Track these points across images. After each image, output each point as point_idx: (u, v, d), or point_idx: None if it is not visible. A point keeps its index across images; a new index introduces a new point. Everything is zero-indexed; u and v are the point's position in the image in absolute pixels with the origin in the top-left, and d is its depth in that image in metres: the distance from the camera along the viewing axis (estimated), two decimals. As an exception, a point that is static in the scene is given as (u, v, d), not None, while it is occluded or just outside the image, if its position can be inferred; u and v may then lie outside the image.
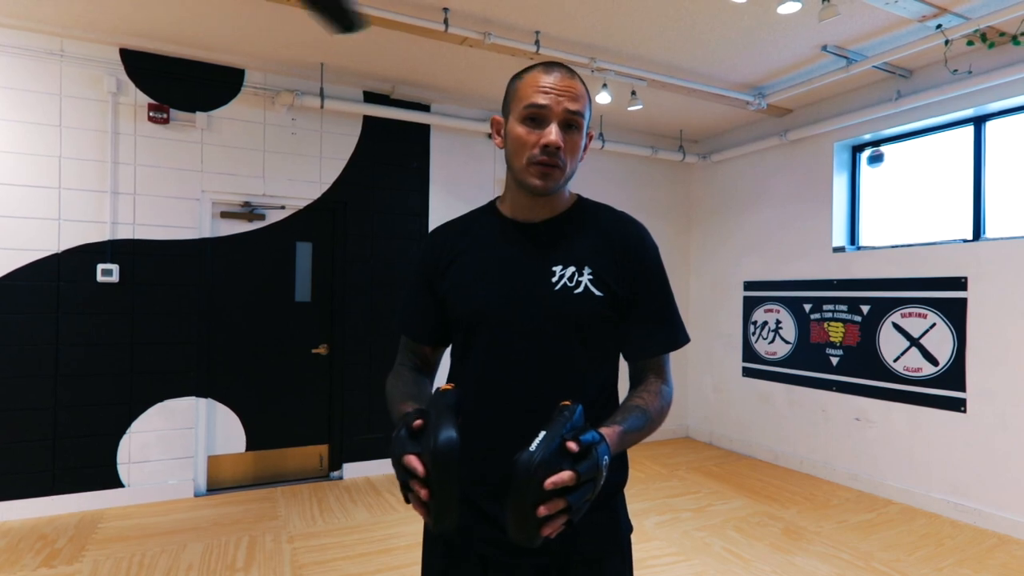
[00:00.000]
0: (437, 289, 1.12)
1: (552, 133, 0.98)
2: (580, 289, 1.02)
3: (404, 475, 0.82)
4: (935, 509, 3.68)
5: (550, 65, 1.02)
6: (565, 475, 0.76)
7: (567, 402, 0.86)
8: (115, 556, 2.91)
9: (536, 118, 0.99)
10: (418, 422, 0.85)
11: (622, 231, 1.09)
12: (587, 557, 1.03)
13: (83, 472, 3.52)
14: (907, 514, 3.65)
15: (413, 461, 0.80)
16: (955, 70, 3.56)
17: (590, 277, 1.03)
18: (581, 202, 1.13)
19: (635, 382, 1.08)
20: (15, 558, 2.86)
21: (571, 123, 1.00)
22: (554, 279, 1.03)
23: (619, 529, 1.08)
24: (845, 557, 3.02)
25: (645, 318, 1.06)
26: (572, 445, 0.77)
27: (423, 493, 0.80)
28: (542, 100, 0.98)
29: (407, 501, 0.83)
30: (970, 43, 3.34)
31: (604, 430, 0.88)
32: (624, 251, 1.06)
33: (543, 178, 1.00)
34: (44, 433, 3.43)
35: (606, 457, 0.81)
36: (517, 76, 1.05)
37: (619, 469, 1.08)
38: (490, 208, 1.16)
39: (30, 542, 3.05)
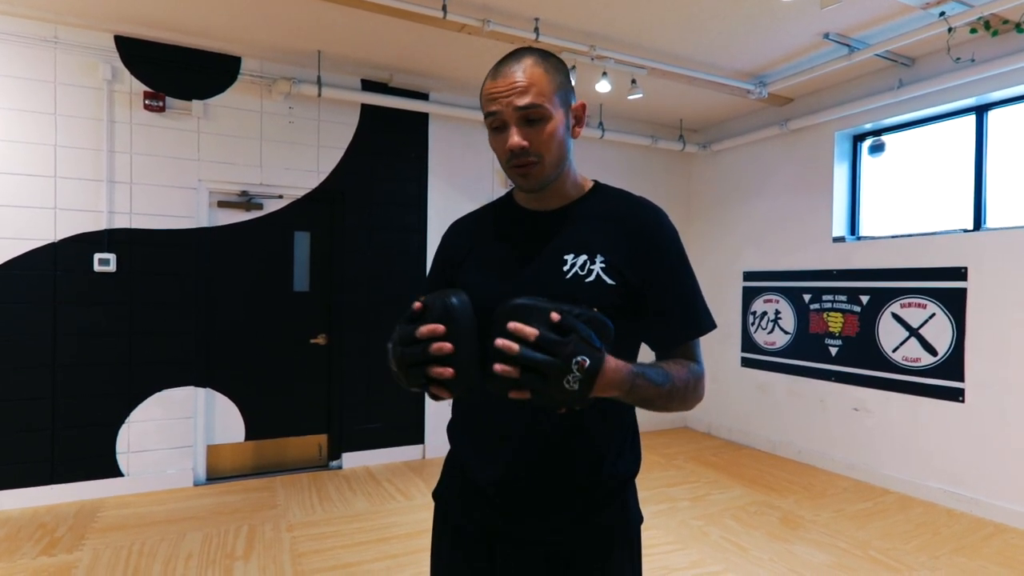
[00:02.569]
0: (456, 281, 1.11)
1: (513, 136, 0.96)
2: (591, 278, 0.99)
3: (415, 353, 0.85)
4: (932, 498, 3.69)
5: (499, 64, 1.00)
6: (527, 328, 0.79)
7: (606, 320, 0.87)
8: (115, 545, 2.92)
9: (497, 126, 0.99)
10: (418, 304, 0.88)
11: (638, 216, 1.05)
12: (594, 547, 1.02)
13: (82, 461, 3.52)
14: (904, 503, 3.67)
15: (429, 327, 0.85)
16: (958, 58, 3.53)
17: (602, 265, 1.00)
18: (598, 188, 1.11)
19: None
20: (15, 547, 2.87)
21: (528, 117, 0.96)
22: (565, 268, 1.01)
23: (628, 521, 1.07)
24: (842, 546, 3.04)
25: (666, 304, 1.02)
26: (555, 315, 0.80)
27: (444, 349, 0.84)
28: (493, 108, 0.97)
29: (414, 386, 0.87)
30: (973, 31, 3.31)
31: (613, 358, 0.85)
32: (639, 237, 1.02)
33: (524, 178, 1.00)
34: (43, 423, 3.42)
35: (583, 357, 0.79)
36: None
37: (631, 460, 1.07)
38: (506, 199, 1.16)
39: (30, 531, 3.05)
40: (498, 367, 0.80)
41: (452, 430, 1.15)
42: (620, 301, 1.00)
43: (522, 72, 0.97)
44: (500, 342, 0.80)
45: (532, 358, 0.79)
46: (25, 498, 3.37)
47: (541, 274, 1.01)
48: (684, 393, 0.98)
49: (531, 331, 0.79)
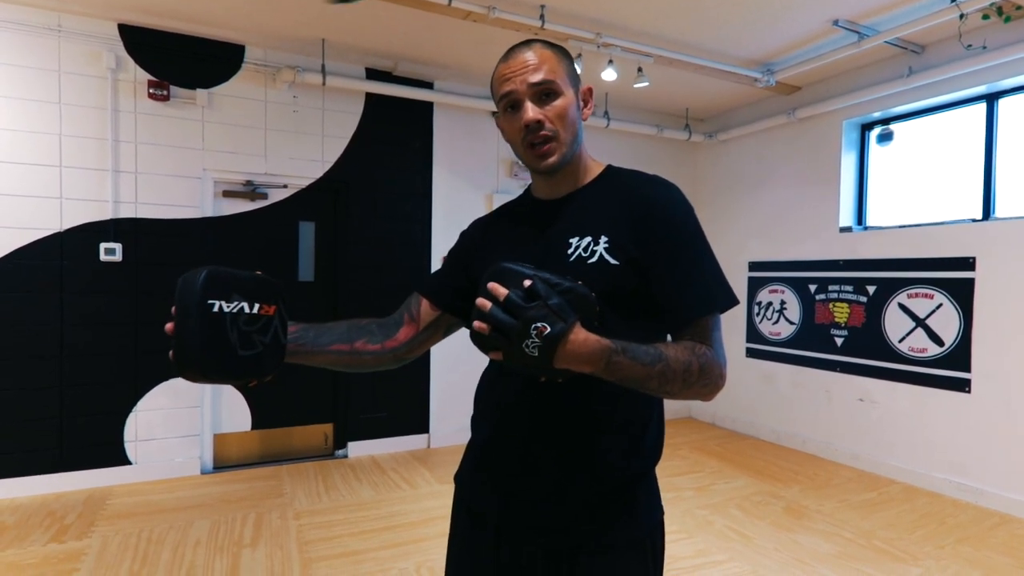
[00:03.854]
0: (472, 275, 1.13)
1: (528, 112, 0.99)
2: (594, 259, 0.98)
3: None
4: (937, 488, 3.69)
5: (510, 51, 1.03)
6: (501, 288, 0.83)
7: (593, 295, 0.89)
8: (123, 532, 2.94)
9: (512, 105, 1.01)
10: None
11: (645, 192, 1.02)
12: (598, 546, 0.99)
13: (90, 450, 3.54)
14: (909, 493, 3.66)
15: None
16: (969, 45, 3.48)
17: (605, 246, 0.98)
18: (610, 171, 1.10)
19: None
20: (25, 534, 2.90)
21: (543, 92, 0.99)
22: (569, 251, 1.00)
23: (636, 521, 1.01)
24: (847, 535, 3.04)
25: (668, 278, 0.96)
26: (527, 282, 0.83)
27: (167, 330, 0.93)
28: (507, 88, 1.00)
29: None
30: (985, 17, 3.27)
31: (585, 331, 0.83)
32: (644, 212, 0.99)
33: (543, 156, 1.01)
34: (51, 411, 3.45)
35: (543, 324, 0.80)
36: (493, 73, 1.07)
37: (640, 454, 1.02)
38: (524, 193, 1.18)
39: (39, 518, 3.08)
40: (476, 323, 0.84)
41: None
42: (629, 282, 0.97)
43: (533, 53, 1.01)
44: (478, 300, 0.84)
45: (496, 317, 0.82)
46: (34, 486, 3.41)
47: (545, 259, 1.00)
48: (686, 377, 0.90)
49: (503, 291, 0.82)
